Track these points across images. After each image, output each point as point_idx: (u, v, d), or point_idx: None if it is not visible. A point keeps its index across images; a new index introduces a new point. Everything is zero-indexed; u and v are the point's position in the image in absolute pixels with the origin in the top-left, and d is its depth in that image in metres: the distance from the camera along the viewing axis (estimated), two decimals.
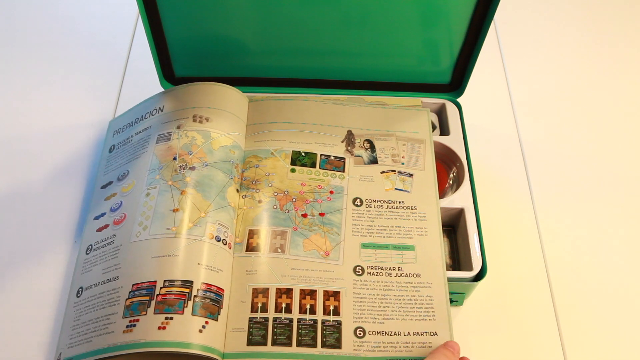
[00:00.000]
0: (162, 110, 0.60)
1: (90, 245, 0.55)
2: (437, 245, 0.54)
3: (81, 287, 0.52)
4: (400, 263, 0.53)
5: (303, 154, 0.59)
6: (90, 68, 0.74)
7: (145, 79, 0.71)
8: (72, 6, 0.80)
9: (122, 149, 0.61)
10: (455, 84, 0.64)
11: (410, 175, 0.58)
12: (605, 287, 0.60)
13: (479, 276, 0.54)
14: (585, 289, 0.60)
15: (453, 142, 0.62)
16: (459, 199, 0.58)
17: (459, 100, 0.65)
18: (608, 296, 0.59)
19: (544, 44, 0.80)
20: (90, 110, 0.70)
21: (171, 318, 0.47)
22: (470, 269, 0.54)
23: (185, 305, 0.48)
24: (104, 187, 0.59)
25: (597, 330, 0.57)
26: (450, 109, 0.64)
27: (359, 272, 0.53)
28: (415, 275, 0.52)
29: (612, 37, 0.80)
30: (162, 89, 0.64)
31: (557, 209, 0.65)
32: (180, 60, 0.62)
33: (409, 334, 0.50)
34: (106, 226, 0.55)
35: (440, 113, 0.66)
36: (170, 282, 0.48)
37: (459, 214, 0.58)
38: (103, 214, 0.56)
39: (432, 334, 0.50)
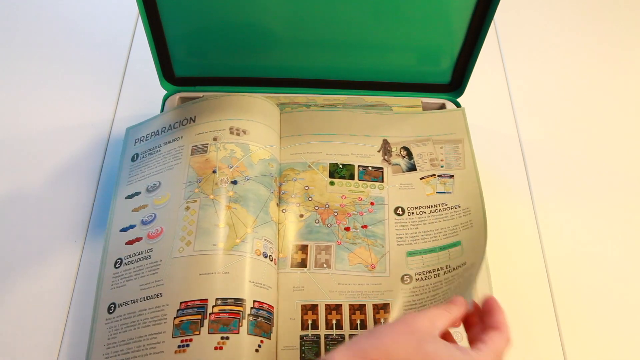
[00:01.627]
0: (193, 121, 0.58)
1: (120, 258, 0.53)
2: (481, 232, 0.53)
3: (113, 303, 0.50)
4: (448, 261, 0.52)
5: (340, 166, 0.58)
6: (90, 68, 0.74)
7: (145, 79, 0.71)
8: (72, 6, 0.80)
9: (149, 158, 0.59)
10: (455, 84, 0.64)
11: (451, 176, 0.58)
12: (605, 286, 0.60)
13: None
14: (585, 288, 0.60)
15: None
16: None
17: (459, 100, 0.65)
18: (608, 296, 0.59)
19: (544, 44, 0.80)
20: (90, 110, 0.70)
21: (227, 338, 0.46)
22: None
23: (241, 324, 0.47)
24: (129, 197, 0.57)
25: (597, 330, 0.57)
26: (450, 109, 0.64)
27: (407, 281, 0.52)
28: (461, 266, 0.52)
29: (613, 37, 0.81)
30: (162, 89, 0.63)
31: (557, 209, 0.65)
32: (181, 61, 0.61)
33: None
34: (138, 239, 0.53)
35: None
36: (223, 301, 0.47)
37: None
38: (132, 226, 0.54)
39: None
